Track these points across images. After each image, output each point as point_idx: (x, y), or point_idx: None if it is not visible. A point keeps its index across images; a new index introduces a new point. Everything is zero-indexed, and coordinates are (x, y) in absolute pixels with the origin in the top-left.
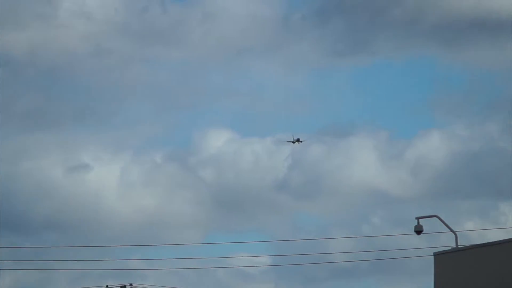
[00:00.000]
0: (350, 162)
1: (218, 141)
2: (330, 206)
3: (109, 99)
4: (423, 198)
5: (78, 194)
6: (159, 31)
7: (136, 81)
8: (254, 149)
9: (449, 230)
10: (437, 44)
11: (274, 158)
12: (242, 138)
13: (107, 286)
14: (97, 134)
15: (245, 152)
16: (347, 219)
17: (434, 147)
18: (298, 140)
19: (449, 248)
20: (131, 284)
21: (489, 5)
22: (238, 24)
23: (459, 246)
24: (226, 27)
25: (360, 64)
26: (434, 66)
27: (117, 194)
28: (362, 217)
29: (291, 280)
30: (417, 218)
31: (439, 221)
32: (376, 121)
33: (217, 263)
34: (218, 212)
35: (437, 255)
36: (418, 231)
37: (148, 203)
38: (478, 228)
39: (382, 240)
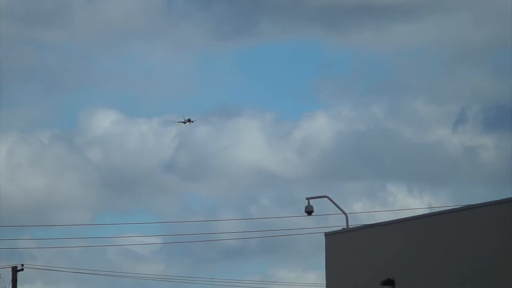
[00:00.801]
0: (237, 143)
1: (104, 121)
2: (218, 187)
3: None
4: (310, 179)
5: None
6: (43, 13)
7: (20, 62)
8: (141, 130)
9: (340, 211)
10: (322, 28)
11: (161, 139)
12: (129, 119)
13: None
14: None
15: (132, 133)
16: (236, 200)
17: (320, 128)
18: (189, 120)
19: (340, 228)
20: (22, 265)
21: None
22: (123, 6)
23: (350, 227)
24: (111, 9)
25: (245, 47)
26: (319, 49)
27: (3, 175)
28: (251, 198)
29: (182, 260)
30: (308, 199)
31: (329, 201)
32: (262, 103)
33: (107, 243)
34: (107, 193)
35: (328, 235)
36: (309, 211)
37: (36, 184)
38: (366, 209)
39: (272, 221)
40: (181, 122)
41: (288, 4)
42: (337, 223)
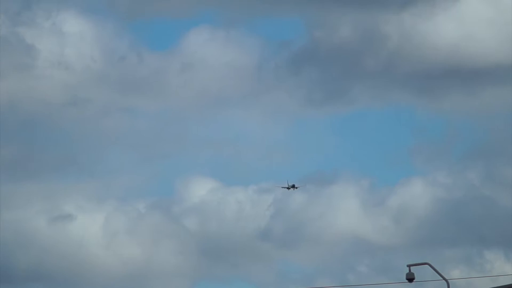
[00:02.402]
0: (332, 210)
1: (201, 190)
2: (314, 254)
3: (90, 148)
4: (406, 246)
5: (62, 244)
6: (138, 81)
7: (116, 130)
8: (238, 198)
9: (441, 278)
10: (413, 93)
11: (256, 206)
12: (225, 187)
13: None
14: (79, 183)
15: (228, 201)
16: (333, 267)
17: (416, 194)
18: (293, 186)
19: None
20: None
21: (463, 53)
22: (215, 74)
23: None
24: (204, 76)
25: (337, 113)
26: (412, 115)
27: (101, 244)
28: (347, 265)
29: None
30: (409, 266)
31: (426, 269)
32: (358, 169)
33: None
34: (203, 261)
35: None
36: (410, 278)
37: (133, 253)
38: (464, 276)
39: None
40: (285, 187)
41: (378, 70)
42: None
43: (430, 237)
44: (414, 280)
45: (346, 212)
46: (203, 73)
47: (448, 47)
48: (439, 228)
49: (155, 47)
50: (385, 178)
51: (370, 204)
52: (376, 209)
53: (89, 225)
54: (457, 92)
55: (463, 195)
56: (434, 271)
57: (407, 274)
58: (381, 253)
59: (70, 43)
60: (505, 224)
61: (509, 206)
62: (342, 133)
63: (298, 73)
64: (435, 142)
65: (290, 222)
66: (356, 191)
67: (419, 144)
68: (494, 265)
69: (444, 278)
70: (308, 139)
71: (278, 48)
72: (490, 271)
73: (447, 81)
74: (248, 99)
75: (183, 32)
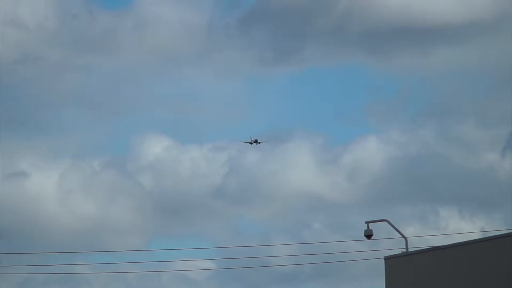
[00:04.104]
0: (287, 167)
1: (156, 147)
2: (269, 211)
3: (43, 106)
4: (361, 203)
5: (16, 201)
6: (91, 39)
7: (70, 88)
8: (192, 156)
9: (399, 235)
10: (365, 52)
11: (211, 164)
12: (179, 145)
13: None
14: (33, 141)
15: (183, 159)
16: (288, 224)
17: (371, 152)
18: (256, 141)
19: (400, 252)
20: None
21: (414, 12)
22: (168, 32)
23: (409, 250)
24: (157, 35)
25: (291, 72)
26: (365, 74)
27: (56, 201)
28: (302, 222)
29: (235, 285)
30: (367, 222)
31: (382, 226)
32: (312, 127)
33: (160, 267)
34: (158, 218)
35: (388, 259)
36: (368, 235)
37: (88, 210)
38: (418, 234)
39: (323, 245)
40: (247, 142)
41: (330, 29)
42: (391, 247)
43: (384, 195)
44: (372, 237)
45: (301, 169)
46: (156, 31)
47: (399, 5)
48: (394, 186)
49: (108, 5)
50: (339, 136)
51: (324, 162)
52: (330, 166)
53: (44, 183)
54: (409, 51)
55: (417, 153)
56: (390, 229)
57: (365, 231)
58: (336, 210)
59: (23, 2)
60: (458, 182)
61: (462, 163)
62: (295, 92)
63: (249, 32)
64: (388, 101)
65: (245, 180)
66: (311, 148)
67: (372, 102)
68: (448, 222)
69: (402, 235)
70: (261, 98)
71: (229, 7)
72: (445, 228)
73: (398, 40)
74: (201, 58)
75: None
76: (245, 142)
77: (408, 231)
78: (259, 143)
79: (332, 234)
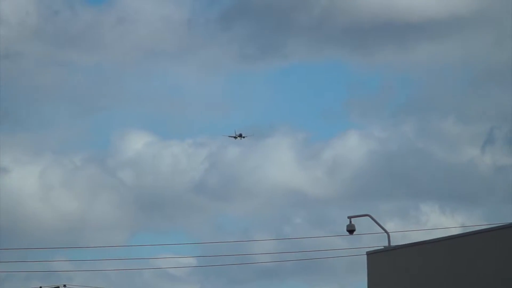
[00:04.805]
0: (268, 162)
1: (137, 143)
2: (250, 207)
3: (25, 102)
4: (341, 199)
5: None
6: (73, 35)
7: (51, 84)
8: (174, 151)
9: (381, 230)
10: (347, 48)
11: (193, 159)
12: (161, 141)
13: (40, 287)
14: (14, 136)
15: (164, 154)
16: (269, 220)
17: (352, 148)
18: (240, 135)
19: (382, 247)
20: (64, 285)
21: (396, 8)
22: (149, 28)
23: (391, 245)
24: (139, 30)
25: (272, 68)
26: (346, 70)
27: (37, 197)
28: (283, 218)
29: (217, 281)
30: (349, 217)
31: (363, 221)
32: (294, 123)
33: (142, 264)
34: (140, 214)
35: (370, 254)
36: (351, 230)
37: (70, 206)
38: (398, 229)
39: (306, 240)
40: (232, 137)
41: (311, 25)
42: (373, 243)
43: (365, 190)
44: (354, 232)
45: (282, 165)
46: (137, 27)
47: (381, 1)
48: (375, 181)
49: (90, 1)
50: (320, 132)
51: (306, 157)
52: (312, 162)
53: (25, 178)
54: (390, 47)
55: (398, 148)
56: (371, 224)
57: (347, 226)
58: (317, 206)
59: None
60: (439, 177)
61: (443, 159)
62: (277, 88)
63: (230, 28)
64: (369, 97)
65: (226, 175)
66: (292, 143)
67: (354, 98)
68: (429, 218)
69: (385, 230)
70: (243, 94)
71: (210, 2)
72: (425, 224)
73: (380, 35)
74: (183, 54)
75: None
76: (229, 136)
77: (389, 226)
78: (244, 137)
79: (313, 230)
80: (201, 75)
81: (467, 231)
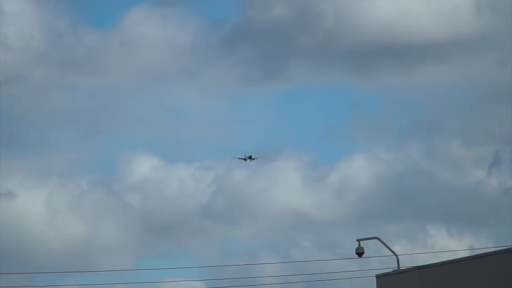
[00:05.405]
0: (275, 186)
1: (143, 167)
2: (257, 230)
3: (30, 125)
4: (348, 222)
5: (3, 222)
6: (77, 58)
7: (56, 107)
8: (180, 175)
9: (390, 253)
10: (350, 70)
11: (199, 183)
12: (166, 164)
13: None
14: (20, 160)
15: (171, 178)
16: (275, 243)
17: (358, 170)
18: (250, 157)
19: (391, 270)
20: None
21: (398, 30)
22: (153, 51)
23: (401, 268)
24: (143, 54)
25: (276, 91)
26: (350, 92)
27: (44, 221)
28: (290, 240)
29: None
30: (358, 240)
31: (371, 244)
32: (299, 145)
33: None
34: (146, 238)
35: (379, 277)
36: (360, 253)
37: (76, 230)
38: (405, 252)
39: (313, 263)
40: (241, 159)
41: (315, 48)
42: (380, 266)
43: (371, 213)
44: (363, 255)
45: (288, 187)
46: (141, 50)
47: (384, 24)
48: (381, 204)
49: (94, 24)
50: (326, 154)
51: (312, 179)
52: (318, 184)
53: (31, 202)
54: (394, 69)
55: (404, 170)
56: (379, 246)
57: (357, 249)
58: (323, 228)
59: (9, 21)
60: (445, 199)
61: (449, 181)
62: (282, 110)
63: (233, 51)
64: (374, 119)
65: (233, 198)
66: (298, 166)
67: (359, 120)
68: (436, 240)
69: (394, 253)
70: (247, 116)
71: (213, 26)
72: (432, 246)
73: (383, 58)
74: (187, 77)
75: (122, 10)
76: (239, 158)
77: (396, 249)
78: (254, 159)
79: (320, 252)
80: (205, 98)
81: (475, 253)
